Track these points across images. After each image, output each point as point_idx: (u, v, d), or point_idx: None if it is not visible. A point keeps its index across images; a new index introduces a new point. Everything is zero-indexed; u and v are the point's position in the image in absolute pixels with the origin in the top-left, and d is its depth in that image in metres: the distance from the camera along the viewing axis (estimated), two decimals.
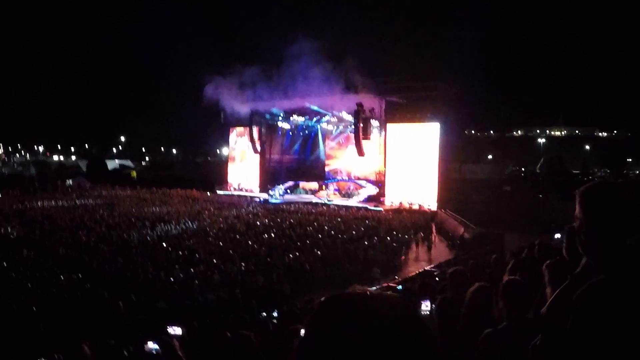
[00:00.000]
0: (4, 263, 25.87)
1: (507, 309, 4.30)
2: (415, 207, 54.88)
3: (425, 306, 6.94)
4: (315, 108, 64.76)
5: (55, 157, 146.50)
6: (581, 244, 2.26)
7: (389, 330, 1.32)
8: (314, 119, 69.34)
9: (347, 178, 68.87)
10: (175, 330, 7.87)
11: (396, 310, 1.38)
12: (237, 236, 35.49)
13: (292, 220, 43.65)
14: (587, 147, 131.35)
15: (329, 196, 62.81)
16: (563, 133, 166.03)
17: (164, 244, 32.15)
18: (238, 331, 7.72)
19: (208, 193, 69.59)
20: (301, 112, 67.62)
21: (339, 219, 44.89)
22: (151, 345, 7.06)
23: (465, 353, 4.56)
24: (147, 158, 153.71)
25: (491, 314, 4.80)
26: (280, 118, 70.81)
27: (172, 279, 23.40)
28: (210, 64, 66.02)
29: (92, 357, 7.62)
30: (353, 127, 59.74)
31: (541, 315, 3.79)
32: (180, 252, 29.63)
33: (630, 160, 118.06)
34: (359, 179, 66.84)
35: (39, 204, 53.27)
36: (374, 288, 22.13)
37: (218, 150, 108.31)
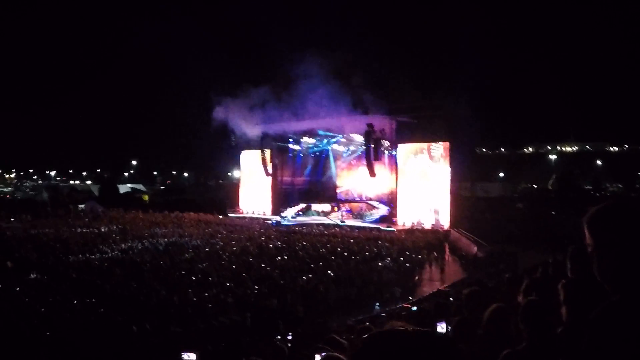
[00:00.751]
0: (17, 287, 25.91)
1: (528, 331, 4.27)
2: (428, 227, 54.74)
3: (441, 328, 6.91)
4: (325, 133, 65.00)
5: (72, 182, 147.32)
6: (595, 270, 2.24)
7: None
8: (325, 141, 69.42)
9: (359, 199, 68.85)
10: (190, 356, 7.86)
11: (439, 348, 1.38)
12: (250, 259, 35.43)
13: (304, 242, 43.61)
14: (599, 162, 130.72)
15: (342, 217, 62.72)
16: (574, 149, 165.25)
17: (177, 268, 32.15)
18: (250, 356, 7.70)
19: (220, 216, 69.58)
20: (312, 134, 67.79)
21: (351, 240, 44.83)
22: None
23: None
24: (159, 182, 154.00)
25: (509, 334, 4.77)
26: (291, 140, 70.90)
27: (185, 302, 23.39)
28: (221, 86, 66.44)
29: None
30: (364, 148, 59.79)
31: (559, 336, 3.78)
32: (193, 276, 29.61)
33: None
34: (370, 199, 66.82)
35: (52, 228, 53.35)
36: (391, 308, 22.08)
37: (230, 173, 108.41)
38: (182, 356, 7.83)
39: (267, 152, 69.50)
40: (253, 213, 72.58)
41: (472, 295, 6.81)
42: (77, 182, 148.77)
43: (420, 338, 1.40)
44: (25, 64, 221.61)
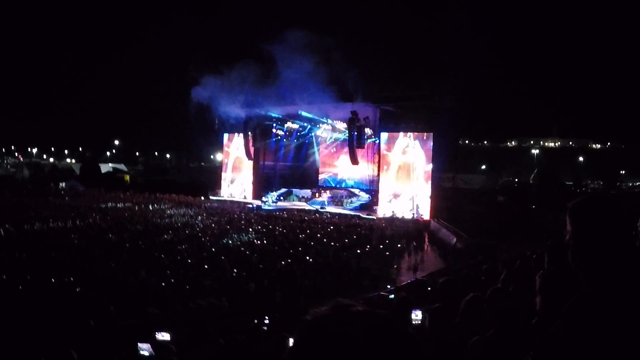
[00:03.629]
0: None
1: (494, 319, 4.32)
2: (408, 216, 54.90)
3: (416, 316, 6.93)
4: (309, 115, 64.73)
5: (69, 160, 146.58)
6: (570, 257, 2.26)
7: (377, 350, 1.31)
8: (308, 127, 69.35)
9: (340, 186, 68.89)
10: (164, 336, 7.86)
11: (384, 328, 1.37)
12: (230, 242, 35.45)
13: (284, 227, 43.66)
14: (581, 158, 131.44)
15: (322, 203, 62.86)
16: (557, 144, 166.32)
17: (156, 249, 32.08)
18: (230, 336, 7.70)
19: (202, 198, 69.59)
20: (295, 118, 67.65)
21: (331, 227, 44.93)
22: (143, 347, 7.05)
23: None
24: (141, 162, 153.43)
25: (484, 324, 4.81)
26: (275, 124, 70.79)
27: (163, 284, 23.34)
28: (205, 69, 65.79)
29: None
30: (347, 135, 59.80)
31: (532, 326, 3.81)
32: (172, 257, 29.55)
33: (623, 172, 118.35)
34: (352, 187, 66.91)
35: (32, 206, 53.01)
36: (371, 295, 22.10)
37: (212, 156, 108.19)
38: (157, 336, 7.83)
39: (250, 136, 69.27)
40: (234, 196, 72.56)
41: (448, 284, 6.84)
42: (55, 160, 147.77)
43: (361, 319, 1.39)
44: (10, 44, 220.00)
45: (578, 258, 2.21)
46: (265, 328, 13.05)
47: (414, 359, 1.36)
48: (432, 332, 5.45)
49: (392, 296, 17.50)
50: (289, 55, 59.19)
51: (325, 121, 66.01)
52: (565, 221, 2.31)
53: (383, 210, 57.56)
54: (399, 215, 55.33)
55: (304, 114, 63.72)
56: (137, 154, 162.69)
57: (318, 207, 60.69)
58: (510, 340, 4.01)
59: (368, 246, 36.42)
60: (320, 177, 71.96)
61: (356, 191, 65.62)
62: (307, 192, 68.88)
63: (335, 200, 65.31)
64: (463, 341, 4.54)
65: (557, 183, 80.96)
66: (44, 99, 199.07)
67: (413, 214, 55.37)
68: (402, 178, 57.37)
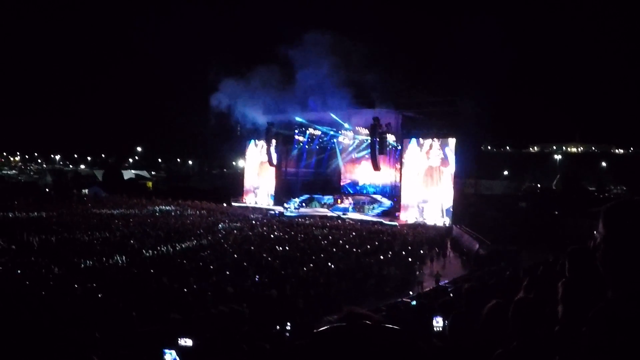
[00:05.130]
0: (19, 270, 25.91)
1: (518, 329, 4.26)
2: (430, 222, 54.73)
3: (437, 322, 6.90)
4: (336, 118, 64.69)
5: (81, 167, 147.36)
6: (600, 261, 2.24)
7: None
8: (331, 133, 69.42)
9: (362, 192, 68.79)
10: (186, 342, 7.88)
11: (395, 342, 1.37)
12: (252, 248, 35.45)
13: (306, 234, 43.60)
14: (604, 163, 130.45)
15: (345, 209, 62.84)
16: (579, 150, 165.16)
17: (179, 255, 32.16)
18: (254, 343, 7.72)
19: (224, 205, 69.69)
20: (317, 123, 67.73)
21: (353, 233, 44.85)
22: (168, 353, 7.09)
23: None
24: (162, 169, 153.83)
25: (507, 331, 4.77)
26: (297, 131, 70.95)
27: (185, 290, 23.38)
28: (228, 75, 65.73)
29: None
30: (369, 141, 59.77)
31: (555, 334, 3.77)
32: (194, 264, 29.59)
33: None
34: (374, 193, 66.81)
35: (55, 212, 53.27)
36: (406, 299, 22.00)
37: (234, 162, 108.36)
38: (179, 342, 7.85)
39: (272, 143, 69.45)
40: (256, 203, 72.71)
41: (472, 291, 6.79)
42: (79, 166, 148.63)
43: (372, 333, 1.38)
44: (34, 51, 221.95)
45: (609, 262, 2.18)
46: (287, 335, 13.05)
47: None
48: (452, 339, 5.42)
49: (414, 302, 17.43)
50: (310, 61, 59.29)
51: (348, 127, 66.08)
52: (597, 224, 2.28)
53: (405, 216, 57.46)
54: (421, 221, 55.20)
55: (332, 115, 63.66)
56: (160, 160, 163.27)
57: (340, 213, 60.65)
58: (534, 352, 3.96)
59: (390, 252, 36.28)
60: (343, 183, 71.91)
61: (378, 197, 65.57)
62: (329, 199, 68.85)
63: (358, 207, 65.25)
64: (483, 348, 4.50)
65: (579, 188, 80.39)
66: (67, 106, 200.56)
67: (440, 220, 55.19)
68: (424, 184, 57.25)
